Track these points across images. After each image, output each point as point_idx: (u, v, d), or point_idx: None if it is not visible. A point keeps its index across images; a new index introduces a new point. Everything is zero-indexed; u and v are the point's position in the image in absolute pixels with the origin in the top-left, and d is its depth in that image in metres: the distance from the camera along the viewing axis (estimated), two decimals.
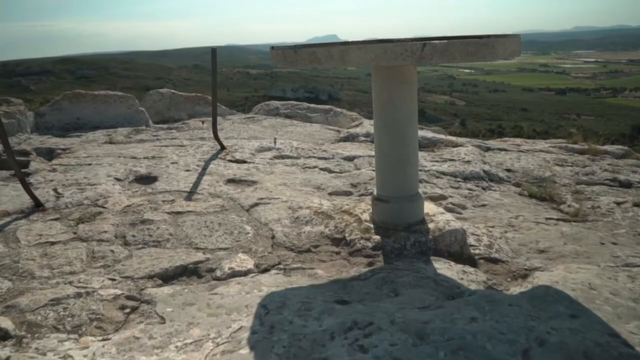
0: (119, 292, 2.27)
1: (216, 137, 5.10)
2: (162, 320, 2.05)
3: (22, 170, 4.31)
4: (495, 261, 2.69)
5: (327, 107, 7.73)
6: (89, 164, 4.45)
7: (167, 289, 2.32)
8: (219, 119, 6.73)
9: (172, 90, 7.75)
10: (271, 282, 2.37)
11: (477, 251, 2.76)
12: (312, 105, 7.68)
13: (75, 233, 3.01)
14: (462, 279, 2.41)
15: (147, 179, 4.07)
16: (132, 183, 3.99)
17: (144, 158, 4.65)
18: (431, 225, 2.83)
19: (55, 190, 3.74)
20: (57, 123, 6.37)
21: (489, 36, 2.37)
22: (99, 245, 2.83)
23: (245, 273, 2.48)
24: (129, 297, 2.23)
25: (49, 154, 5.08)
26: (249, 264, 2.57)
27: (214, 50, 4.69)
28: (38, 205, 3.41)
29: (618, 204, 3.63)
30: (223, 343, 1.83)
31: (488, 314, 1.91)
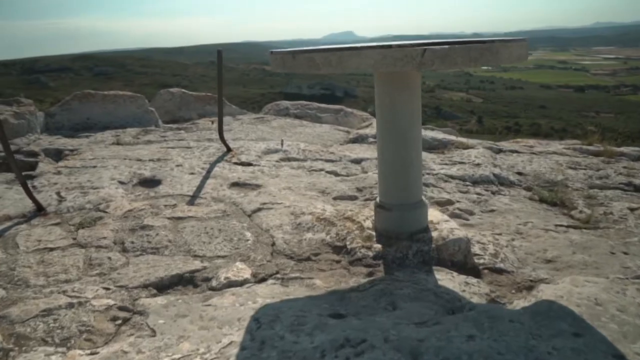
0: (111, 302, 2.23)
1: (222, 139, 5.06)
2: (153, 333, 2.00)
3: (29, 172, 4.32)
4: (500, 271, 2.60)
5: (338, 107, 7.65)
6: (94, 167, 4.44)
7: (160, 300, 2.28)
8: (228, 118, 6.71)
9: (183, 90, 7.73)
10: (267, 293, 2.31)
11: (481, 261, 2.68)
12: (323, 105, 7.61)
13: (74, 239, 2.98)
14: (464, 291, 2.34)
15: (150, 182, 4.04)
16: (135, 186, 3.96)
17: (150, 160, 4.63)
18: (434, 234, 2.76)
19: (58, 193, 3.73)
20: (67, 123, 6.39)
21: (493, 41, 2.29)
22: (97, 251, 2.80)
23: (241, 283, 2.43)
24: (121, 308, 2.19)
25: (57, 155, 5.08)
26: (246, 273, 2.52)
27: (219, 52, 4.65)
28: (40, 210, 3.40)
29: (632, 210, 3.51)
30: (212, 359, 1.79)
31: (487, 331, 1.84)
